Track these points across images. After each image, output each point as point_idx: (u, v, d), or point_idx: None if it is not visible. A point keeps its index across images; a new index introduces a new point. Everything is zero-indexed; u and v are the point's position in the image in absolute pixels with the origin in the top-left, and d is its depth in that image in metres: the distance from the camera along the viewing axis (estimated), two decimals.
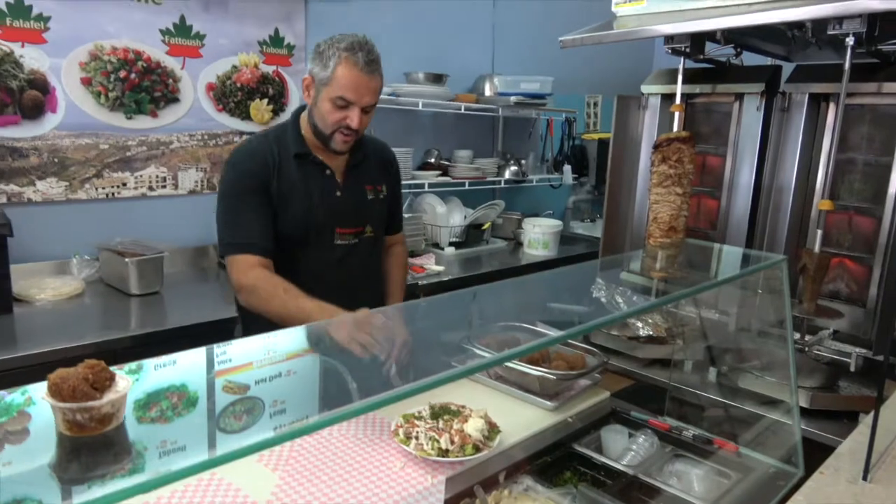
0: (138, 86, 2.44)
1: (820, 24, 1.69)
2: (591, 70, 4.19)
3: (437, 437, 1.21)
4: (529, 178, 3.65)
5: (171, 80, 2.52)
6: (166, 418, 0.77)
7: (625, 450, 1.34)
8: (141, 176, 2.50)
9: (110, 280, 2.28)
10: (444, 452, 1.19)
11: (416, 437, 1.23)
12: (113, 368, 0.64)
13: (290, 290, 1.52)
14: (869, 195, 1.85)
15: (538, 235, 3.26)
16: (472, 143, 3.58)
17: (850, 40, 1.59)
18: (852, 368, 1.67)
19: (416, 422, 1.27)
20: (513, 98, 3.30)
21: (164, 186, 2.56)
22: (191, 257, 2.61)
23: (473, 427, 1.23)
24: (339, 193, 1.69)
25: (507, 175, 3.54)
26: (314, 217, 1.65)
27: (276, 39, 2.80)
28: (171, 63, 2.52)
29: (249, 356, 1.02)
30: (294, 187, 1.63)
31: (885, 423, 1.36)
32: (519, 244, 3.44)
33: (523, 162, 3.65)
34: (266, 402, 0.90)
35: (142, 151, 2.49)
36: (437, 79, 3.16)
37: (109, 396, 0.56)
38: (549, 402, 1.41)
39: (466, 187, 3.32)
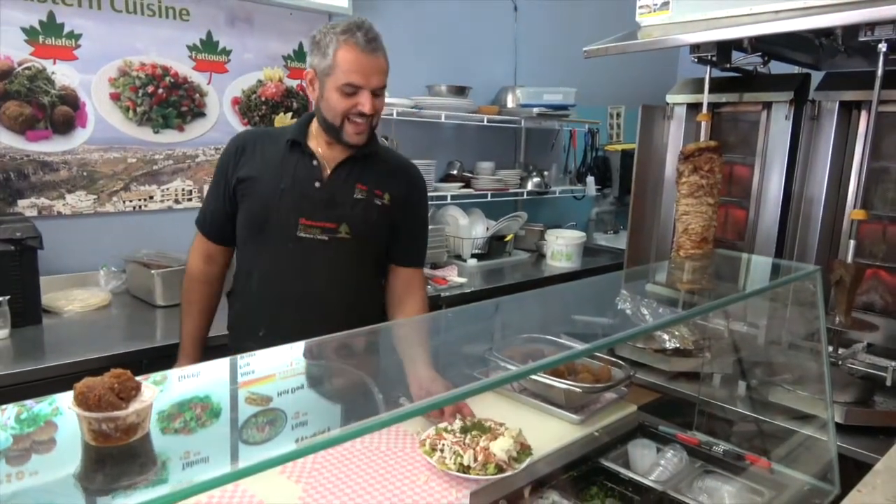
0: (166, 101, 2.48)
1: (850, 31, 1.66)
2: (614, 81, 4.16)
3: (461, 451, 1.19)
4: (552, 189, 3.63)
5: (197, 95, 2.56)
6: (190, 429, 0.77)
7: (653, 465, 1.31)
8: (167, 189, 2.54)
9: (136, 292, 2.31)
10: (466, 469, 1.17)
11: (441, 451, 1.21)
12: (138, 378, 0.64)
13: (190, 306, 1.71)
14: None
15: (561, 247, 3.24)
16: (495, 155, 3.57)
17: (882, 46, 1.56)
18: (888, 383, 1.62)
19: (445, 434, 1.25)
20: (535, 109, 3.29)
21: (189, 199, 2.59)
22: None
23: (500, 447, 1.19)
24: (318, 184, 1.55)
25: (529, 186, 3.52)
26: (279, 201, 1.54)
27: (300, 54, 2.83)
28: (198, 78, 2.56)
29: (272, 367, 1.02)
30: (266, 170, 1.56)
31: None
32: (542, 256, 3.42)
33: (546, 173, 3.63)
34: (288, 414, 0.90)
35: (168, 165, 2.53)
36: (460, 91, 3.17)
37: (135, 406, 0.55)
38: (574, 416, 1.39)
39: (489, 199, 3.32)
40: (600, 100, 4.18)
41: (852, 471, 1.29)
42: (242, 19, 2.65)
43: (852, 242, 1.67)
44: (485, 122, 3.31)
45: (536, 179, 3.56)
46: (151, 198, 2.50)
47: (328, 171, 1.57)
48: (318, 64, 1.50)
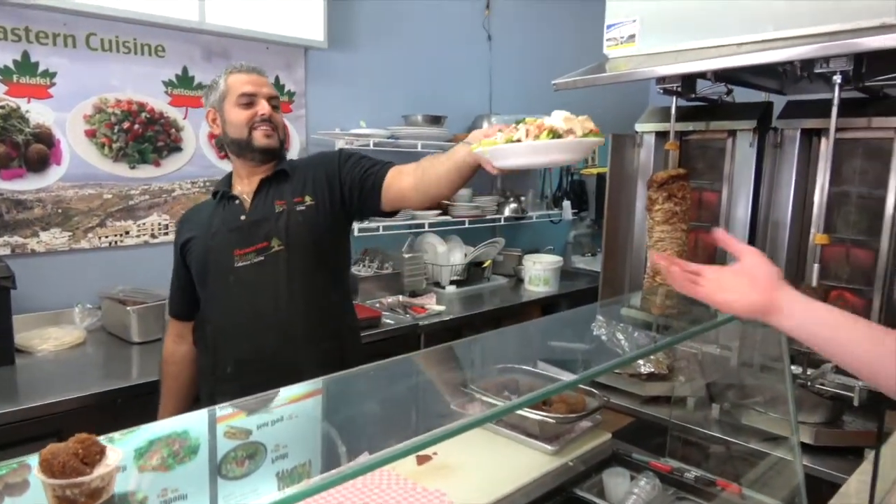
0: (142, 136, 2.49)
1: (807, 62, 1.72)
2: (587, 107, 4.22)
3: (512, 134, 1.04)
4: (529, 214, 3.68)
5: (173, 130, 2.57)
6: (167, 466, 0.77)
7: (627, 494, 1.33)
8: (143, 224, 2.53)
9: (112, 328, 2.29)
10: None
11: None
12: (108, 436, 0.65)
13: (165, 390, 1.78)
14: (864, 227, 1.86)
15: (539, 272, 3.27)
16: (472, 182, 3.59)
17: (837, 78, 1.62)
18: (856, 403, 1.65)
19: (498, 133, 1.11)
20: None
21: (166, 234, 2.59)
22: None
23: (556, 117, 1.03)
24: (243, 217, 1.63)
25: (506, 212, 3.56)
26: (213, 246, 1.62)
27: (277, 87, 2.86)
28: (174, 113, 2.57)
29: (251, 401, 1.02)
30: (201, 227, 1.66)
31: (891, 458, 1.35)
32: (520, 281, 3.45)
33: (523, 199, 3.68)
34: (268, 447, 0.90)
35: (144, 200, 2.53)
36: (436, 120, 3.21)
37: (99, 471, 0.56)
38: (549, 446, 1.40)
39: (466, 226, 3.35)
40: None
41: (825, 490, 1.31)
42: (218, 54, 2.67)
43: (816, 266, 1.71)
44: None
45: (513, 205, 3.60)
46: (127, 233, 2.50)
47: (249, 202, 1.65)
48: (213, 97, 1.66)
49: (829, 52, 1.52)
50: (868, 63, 1.63)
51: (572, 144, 0.96)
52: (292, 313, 1.58)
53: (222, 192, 1.69)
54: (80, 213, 2.37)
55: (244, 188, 1.68)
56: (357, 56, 3.15)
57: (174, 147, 2.58)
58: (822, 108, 1.87)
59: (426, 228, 3.19)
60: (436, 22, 3.49)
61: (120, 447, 0.71)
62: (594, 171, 4.06)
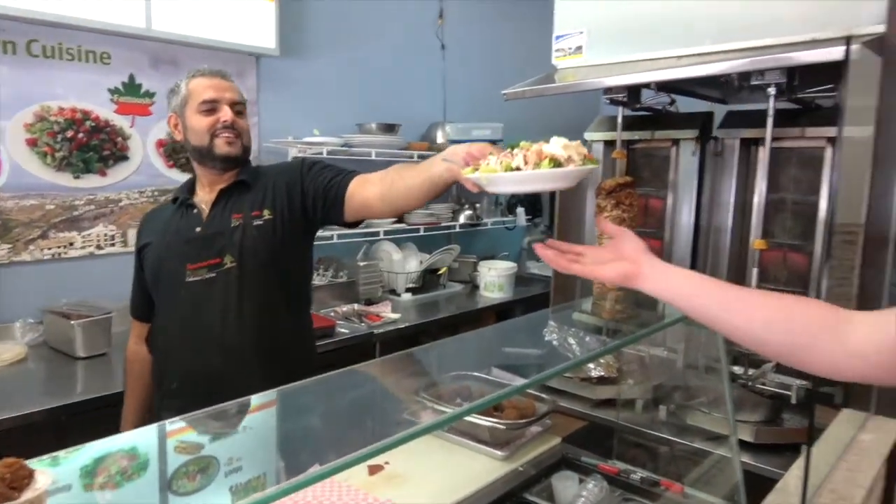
0: (86, 145, 2.43)
1: (744, 74, 1.80)
2: (541, 115, 4.31)
3: (508, 159, 1.02)
4: (484, 221, 3.72)
5: (120, 139, 2.52)
6: (116, 484, 0.76)
7: (575, 497, 1.36)
8: (89, 235, 2.47)
9: (55, 343, 2.23)
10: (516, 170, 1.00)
11: (488, 164, 1.05)
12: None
13: (128, 390, 1.76)
14: (799, 232, 1.94)
15: (493, 278, 3.31)
16: None
17: (771, 90, 1.69)
18: (793, 401, 1.72)
19: (489, 156, 1.08)
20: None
21: (112, 244, 2.53)
22: None
23: (554, 144, 1.01)
24: (198, 229, 1.59)
25: (461, 219, 3.59)
26: (166, 256, 1.60)
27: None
28: (120, 121, 2.52)
29: (202, 414, 1.00)
30: (157, 234, 1.64)
31: (823, 454, 1.41)
32: (476, 287, 3.48)
33: (478, 205, 3.72)
34: (221, 461, 0.89)
35: (90, 210, 2.46)
36: (390, 128, 3.22)
37: (27, 495, 0.55)
38: (499, 452, 1.42)
39: (422, 233, 3.36)
40: (529, 133, 4.31)
41: (767, 486, 1.36)
42: (166, 61, 2.63)
43: (755, 270, 1.78)
44: (415, 159, 3.37)
45: (468, 212, 3.63)
46: (71, 244, 2.43)
47: (206, 213, 1.61)
48: (176, 102, 1.62)
49: (762, 66, 1.59)
50: (800, 76, 1.71)
51: (573, 173, 0.97)
52: (240, 333, 1.54)
53: (181, 198, 1.66)
54: (20, 224, 2.30)
55: (204, 196, 1.65)
56: (310, 64, 3.14)
57: (121, 156, 2.53)
58: (759, 119, 1.94)
59: (381, 236, 3.19)
60: (389, 30, 3.50)
61: (65, 466, 0.70)
62: None
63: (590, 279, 0.99)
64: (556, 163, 0.97)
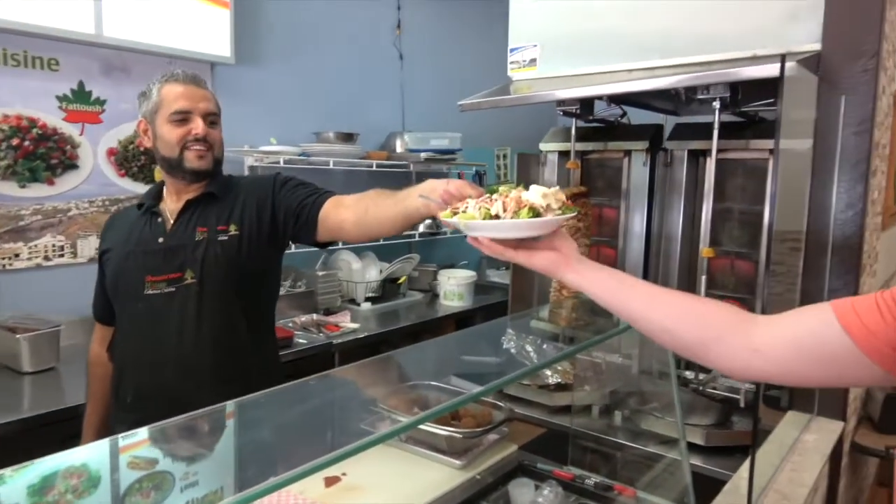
0: (33, 153, 2.36)
1: (691, 88, 1.86)
2: (499, 124, 4.37)
3: (487, 205, 1.01)
4: (444, 230, 3.73)
5: (68, 147, 2.46)
6: (65, 502, 0.74)
7: (531, 503, 1.38)
8: (36, 246, 2.40)
9: (1, 358, 2.15)
10: (495, 218, 1.00)
11: (464, 211, 1.05)
12: None
13: (91, 393, 1.69)
14: (746, 241, 2.01)
15: (453, 287, 3.33)
16: None
17: (716, 104, 1.76)
18: (742, 404, 1.78)
19: (468, 200, 1.07)
20: (423, 154, 3.40)
21: (61, 255, 2.46)
22: (91, 327, 2.49)
23: (534, 193, 1.00)
24: (161, 240, 1.54)
25: (421, 228, 3.60)
26: (126, 266, 1.54)
27: None
28: (70, 129, 2.46)
29: (156, 428, 0.98)
30: (119, 240, 1.59)
31: (770, 456, 1.47)
32: (435, 296, 3.49)
33: None
34: (176, 476, 0.88)
35: (36, 220, 2.39)
36: (348, 137, 3.22)
37: None
38: (457, 461, 1.43)
39: (381, 242, 3.36)
40: (487, 142, 4.36)
41: (718, 488, 1.40)
42: (118, 68, 2.58)
43: (703, 277, 1.84)
44: (374, 168, 3.37)
45: (428, 221, 3.64)
46: (17, 255, 2.35)
47: (170, 224, 1.56)
48: (146, 109, 1.55)
49: (706, 81, 1.65)
50: (743, 90, 1.78)
51: (551, 222, 0.99)
52: (198, 351, 1.50)
53: (147, 205, 1.60)
54: None
55: (170, 205, 1.59)
56: (266, 72, 3.12)
57: (70, 164, 2.47)
58: (706, 131, 2.01)
59: (340, 246, 3.18)
60: (347, 39, 3.50)
61: (10, 485, 0.68)
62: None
63: (522, 265, 1.01)
64: (534, 212, 0.99)
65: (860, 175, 1.70)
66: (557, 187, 1.07)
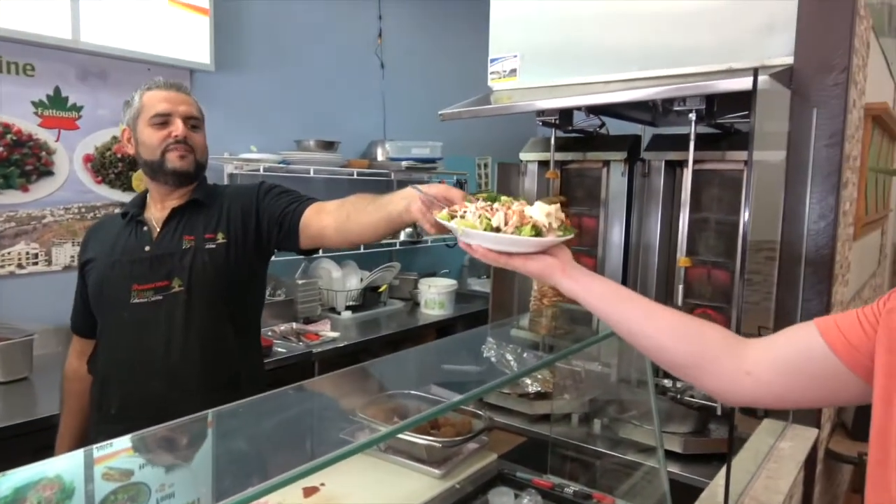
0: (7, 159, 2.33)
1: (668, 100, 1.89)
2: (480, 133, 4.39)
3: (488, 215, 1.00)
4: (425, 238, 3.74)
5: (44, 153, 2.42)
6: None
7: None
8: (9, 253, 2.36)
9: None
10: (496, 230, 0.98)
11: (463, 216, 1.03)
12: None
13: (66, 408, 1.66)
14: (722, 250, 2.04)
15: (434, 295, 3.33)
16: None
17: (692, 115, 1.78)
18: (719, 412, 1.80)
19: (467, 203, 1.06)
20: (404, 163, 3.40)
21: (35, 263, 2.42)
22: (66, 336, 2.45)
23: (538, 210, 1.00)
24: (147, 248, 1.53)
25: (402, 236, 3.60)
26: (111, 276, 1.52)
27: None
28: (45, 135, 2.43)
29: (132, 438, 0.97)
30: (103, 249, 1.57)
31: (746, 463, 1.48)
32: (416, 304, 3.49)
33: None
34: (152, 487, 0.87)
35: (10, 228, 2.35)
36: (329, 145, 3.21)
37: None
38: (436, 470, 1.43)
39: (362, 250, 3.35)
40: (468, 151, 4.38)
41: (694, 497, 1.41)
42: (95, 74, 2.56)
43: (680, 286, 1.86)
44: (355, 176, 3.37)
45: (409, 229, 3.64)
46: None
47: (157, 232, 1.56)
48: (129, 116, 1.56)
49: (682, 93, 1.68)
50: (719, 103, 1.81)
51: (551, 243, 1.00)
52: (185, 359, 1.49)
53: (132, 213, 1.59)
54: None
55: (155, 214, 1.58)
56: (247, 79, 3.11)
57: (45, 171, 2.43)
58: (683, 142, 2.04)
59: (320, 254, 3.16)
60: (329, 48, 3.50)
61: None
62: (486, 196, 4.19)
63: (521, 272, 1.01)
64: (537, 230, 0.98)
65: (832, 186, 1.73)
66: (557, 205, 1.08)
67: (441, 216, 1.06)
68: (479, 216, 1.00)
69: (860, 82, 1.92)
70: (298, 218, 1.51)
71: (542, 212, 0.99)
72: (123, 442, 0.92)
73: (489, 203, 1.04)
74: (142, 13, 2.58)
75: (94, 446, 0.88)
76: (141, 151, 1.55)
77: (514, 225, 0.98)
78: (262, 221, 1.56)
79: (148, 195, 1.63)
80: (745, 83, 1.43)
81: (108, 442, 0.90)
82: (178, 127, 1.52)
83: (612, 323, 0.96)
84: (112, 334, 1.54)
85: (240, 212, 1.57)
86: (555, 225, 1.00)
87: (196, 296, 1.51)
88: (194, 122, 1.57)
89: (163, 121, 1.52)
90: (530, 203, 1.05)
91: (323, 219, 1.50)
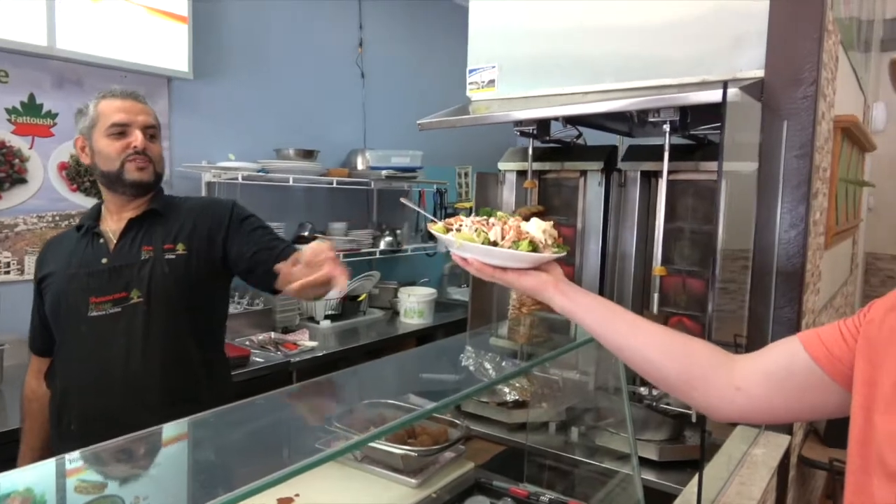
0: None
1: (643, 111, 1.92)
2: (460, 143, 4.41)
3: (484, 229, 1.01)
4: (404, 247, 3.74)
5: (17, 161, 2.39)
6: None
7: None
8: None
9: None
10: (493, 244, 0.99)
11: (458, 229, 1.04)
12: None
13: (26, 430, 1.63)
14: (697, 259, 2.07)
15: (413, 304, 3.33)
16: (347, 216, 3.63)
17: (666, 127, 1.81)
18: (694, 419, 1.82)
19: (462, 217, 1.08)
20: (384, 172, 3.40)
21: (7, 272, 2.38)
22: None
23: (535, 226, 1.01)
24: (104, 260, 1.50)
25: (382, 246, 3.60)
26: (69, 289, 1.50)
27: None
28: (19, 142, 2.40)
29: (108, 452, 0.96)
30: (59, 264, 1.54)
31: (719, 470, 1.50)
32: (396, 313, 3.48)
33: (398, 232, 3.74)
34: (126, 499, 0.86)
35: None
36: (308, 154, 3.21)
37: None
38: (412, 480, 1.43)
39: (341, 259, 3.33)
40: (449, 160, 4.40)
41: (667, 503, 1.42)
42: (72, 81, 2.53)
43: (656, 295, 1.88)
44: (334, 185, 3.37)
45: (389, 238, 3.65)
46: None
47: (114, 244, 1.53)
48: (83, 125, 1.53)
49: (655, 105, 1.70)
50: (692, 114, 1.84)
51: (547, 259, 1.01)
52: (146, 371, 1.47)
53: (87, 226, 1.56)
54: None
55: (112, 225, 1.56)
56: (226, 87, 3.10)
57: (18, 178, 2.40)
58: (658, 153, 2.07)
59: None
60: (309, 57, 3.51)
61: None
62: (467, 205, 4.20)
63: (514, 287, 1.03)
64: (533, 245, 1.00)
65: (802, 196, 1.77)
66: (552, 222, 1.10)
67: (436, 228, 1.07)
68: (476, 230, 1.01)
69: (829, 95, 1.96)
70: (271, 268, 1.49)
71: (539, 228, 1.01)
72: (96, 454, 0.91)
73: (485, 217, 1.05)
74: (119, 20, 2.57)
75: (67, 457, 0.87)
76: (97, 161, 1.52)
77: (511, 240, 0.99)
78: (229, 249, 1.55)
79: (103, 206, 1.60)
80: (716, 95, 1.45)
81: (80, 451, 0.89)
82: (137, 138, 1.50)
83: (602, 338, 0.97)
84: (70, 348, 1.51)
85: (206, 230, 1.56)
86: (549, 242, 1.02)
87: (156, 306, 1.48)
88: (152, 132, 1.55)
89: (120, 131, 1.50)
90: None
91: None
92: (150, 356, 1.47)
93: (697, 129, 1.94)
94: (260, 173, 2.95)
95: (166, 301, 1.50)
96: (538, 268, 0.99)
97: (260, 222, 1.63)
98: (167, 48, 2.73)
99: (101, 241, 1.54)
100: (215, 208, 1.62)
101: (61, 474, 0.86)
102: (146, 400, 1.46)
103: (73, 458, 0.88)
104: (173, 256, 1.51)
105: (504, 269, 1.00)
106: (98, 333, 1.47)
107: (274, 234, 1.64)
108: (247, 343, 2.70)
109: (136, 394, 1.46)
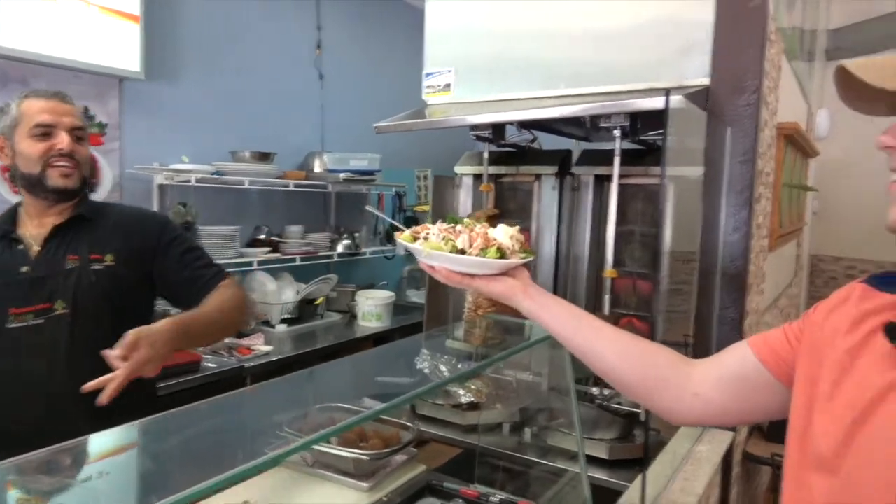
0: None
1: (595, 117, 1.96)
2: (419, 146, 4.42)
3: (451, 237, 1.01)
4: (363, 251, 3.73)
5: None
6: None
7: None
8: None
9: None
10: (461, 252, 0.99)
11: (426, 238, 1.04)
12: None
13: None
14: (647, 261, 2.12)
15: (371, 307, 3.32)
16: (304, 219, 3.60)
17: (616, 132, 1.86)
18: (642, 418, 1.86)
19: (428, 225, 1.08)
20: (342, 175, 3.39)
21: None
22: None
23: (502, 232, 1.02)
24: (24, 269, 1.43)
25: (339, 249, 3.58)
26: None
27: (87, 118, 2.68)
28: None
29: (50, 462, 0.93)
30: None
31: (664, 467, 1.54)
32: (353, 317, 3.47)
33: (357, 235, 3.72)
34: None
35: None
36: (264, 157, 3.17)
37: None
38: (364, 483, 1.43)
39: (298, 263, 3.32)
40: (408, 163, 4.40)
41: (616, 502, 1.45)
42: (16, 80, 2.45)
43: (607, 297, 1.92)
44: (291, 188, 3.34)
45: (347, 241, 3.63)
46: None
47: (35, 251, 1.47)
48: (5, 125, 1.46)
49: (606, 111, 1.74)
50: (641, 120, 1.89)
51: (514, 265, 1.01)
52: (71, 384, 1.36)
53: (4, 231, 1.48)
54: None
55: (32, 231, 1.49)
56: (179, 88, 3.04)
57: None
58: (610, 157, 2.12)
59: (255, 266, 3.11)
60: (266, 57, 3.47)
61: None
62: (426, 207, 4.21)
63: (483, 293, 1.04)
64: (501, 252, 1.00)
65: (745, 201, 1.83)
66: (518, 227, 1.10)
67: (404, 237, 1.07)
68: (444, 238, 1.01)
69: (772, 103, 2.04)
70: (206, 293, 1.50)
71: (506, 234, 1.02)
72: (38, 462, 0.89)
73: (451, 225, 1.05)
74: (67, 18, 2.50)
75: (4, 468, 0.85)
76: (18, 163, 1.45)
77: (479, 247, 0.99)
78: (157, 271, 1.53)
79: (21, 209, 1.53)
80: (659, 102, 1.50)
81: (25, 457, 0.87)
82: (63, 140, 1.44)
83: (568, 343, 0.99)
84: None
85: (136, 246, 1.52)
86: (517, 248, 1.03)
87: (82, 318, 1.43)
88: (79, 134, 1.49)
89: (44, 132, 1.43)
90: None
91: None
92: (76, 369, 1.38)
93: (647, 135, 1.99)
94: (214, 176, 2.91)
95: (93, 312, 1.45)
96: (507, 273, 1.00)
97: (191, 242, 1.61)
98: (118, 48, 2.67)
99: (21, 247, 1.47)
100: (146, 224, 1.58)
101: (2, 487, 0.84)
102: (68, 410, 1.38)
103: (8, 469, 0.86)
104: (101, 267, 1.47)
105: (472, 275, 1.01)
106: (18, 345, 1.40)
107: (204, 257, 1.60)
108: (199, 348, 2.65)
109: (61, 408, 1.39)
